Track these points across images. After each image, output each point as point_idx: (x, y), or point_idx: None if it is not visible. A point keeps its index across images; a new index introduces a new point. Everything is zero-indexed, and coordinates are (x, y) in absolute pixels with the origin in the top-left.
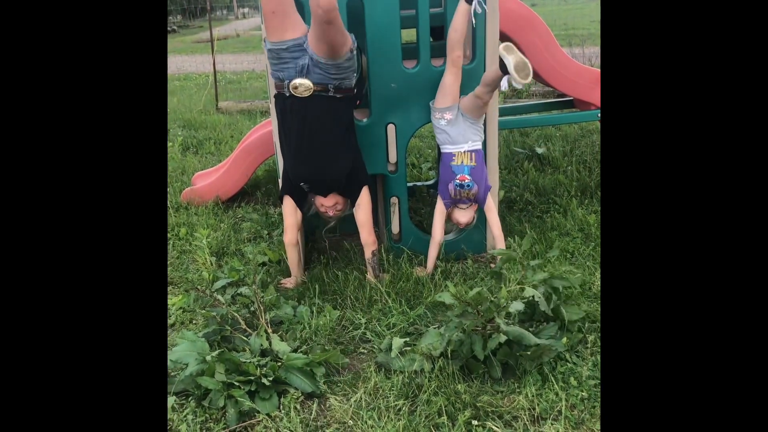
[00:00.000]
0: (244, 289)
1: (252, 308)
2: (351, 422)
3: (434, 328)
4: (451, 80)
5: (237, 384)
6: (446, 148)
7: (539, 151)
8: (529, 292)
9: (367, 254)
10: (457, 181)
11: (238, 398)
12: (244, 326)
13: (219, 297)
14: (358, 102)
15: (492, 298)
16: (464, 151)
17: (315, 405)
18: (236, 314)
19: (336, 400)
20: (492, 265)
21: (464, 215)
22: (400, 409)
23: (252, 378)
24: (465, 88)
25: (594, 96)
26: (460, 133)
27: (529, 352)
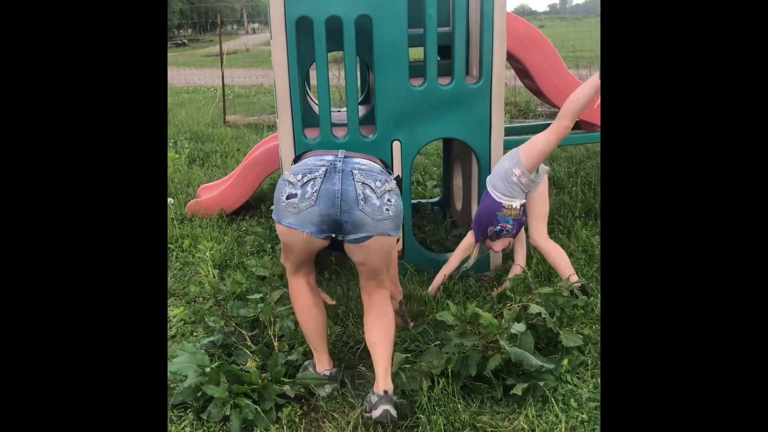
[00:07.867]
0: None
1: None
2: None
3: (434, 345)
4: (543, 146)
5: (240, 393)
6: (499, 197)
7: None
8: (534, 309)
9: (395, 304)
10: (498, 227)
11: (243, 408)
12: (249, 341)
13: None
14: None
15: (493, 320)
16: (515, 206)
17: (313, 420)
18: (242, 330)
19: (335, 415)
20: (495, 290)
21: (499, 244)
22: (399, 427)
23: (255, 387)
24: (470, 108)
25: (600, 117)
26: (522, 191)
27: (526, 384)
